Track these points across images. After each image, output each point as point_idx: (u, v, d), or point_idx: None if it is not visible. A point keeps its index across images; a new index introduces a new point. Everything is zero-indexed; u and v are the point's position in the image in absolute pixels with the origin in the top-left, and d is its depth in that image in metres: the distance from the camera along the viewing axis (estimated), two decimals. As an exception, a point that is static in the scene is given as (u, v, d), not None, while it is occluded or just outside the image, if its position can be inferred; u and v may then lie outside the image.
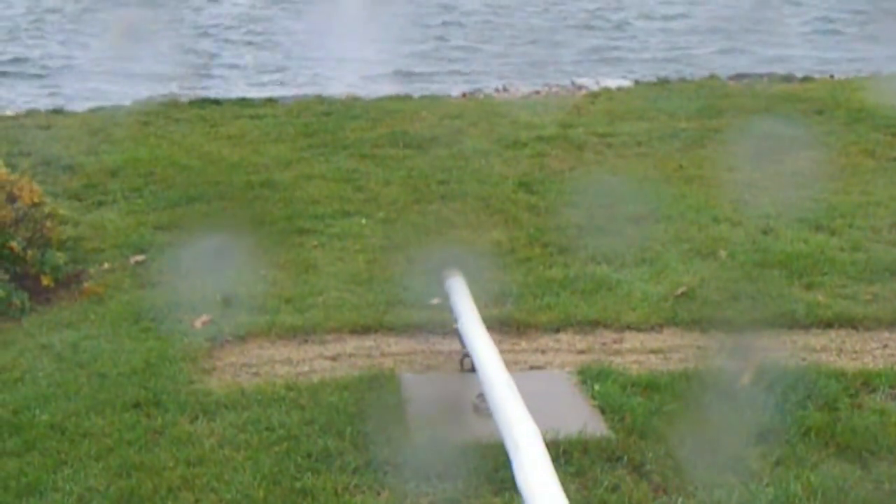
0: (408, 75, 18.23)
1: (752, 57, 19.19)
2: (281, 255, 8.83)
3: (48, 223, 8.65)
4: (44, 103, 15.67)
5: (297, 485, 5.49)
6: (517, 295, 7.94)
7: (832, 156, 11.86)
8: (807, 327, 7.57)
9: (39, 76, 17.71)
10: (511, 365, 6.93)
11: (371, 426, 6.03)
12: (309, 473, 5.58)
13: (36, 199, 8.60)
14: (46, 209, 8.71)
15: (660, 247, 8.93)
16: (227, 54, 20.03)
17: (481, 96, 16.06)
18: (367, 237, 9.28)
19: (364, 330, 7.46)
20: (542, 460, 4.32)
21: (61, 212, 9.03)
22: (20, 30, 20.90)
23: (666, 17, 23.46)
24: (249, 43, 21.00)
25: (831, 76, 17.31)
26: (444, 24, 22.86)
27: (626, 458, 5.74)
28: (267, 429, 6.04)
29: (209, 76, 18.26)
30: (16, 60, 18.34)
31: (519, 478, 4.30)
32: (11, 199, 8.47)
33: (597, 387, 6.51)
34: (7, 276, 8.06)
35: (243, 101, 15.07)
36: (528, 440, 4.49)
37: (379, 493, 5.45)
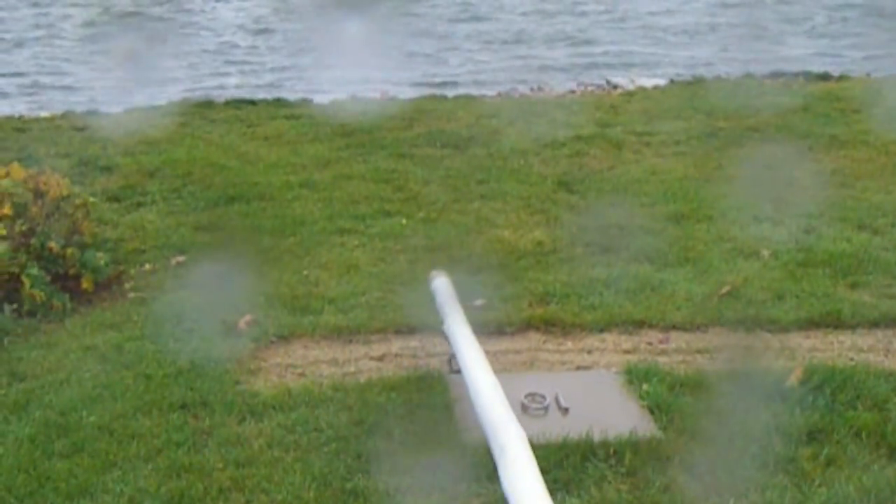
0: (438, 77, 18.22)
1: (785, 55, 19.07)
2: (322, 255, 8.82)
3: (80, 216, 8.62)
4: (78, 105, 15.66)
5: (348, 486, 5.48)
6: (561, 295, 7.91)
7: (871, 154, 11.78)
8: (853, 327, 7.52)
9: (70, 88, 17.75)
10: (557, 365, 6.98)
11: (420, 427, 6.01)
12: (359, 475, 5.56)
13: (64, 192, 8.56)
14: (77, 200, 8.69)
15: (702, 246, 8.89)
16: (254, 59, 20.15)
17: (517, 95, 16.04)
18: (408, 237, 9.26)
19: (409, 330, 7.44)
20: (529, 464, 4.27)
21: (91, 200, 9.00)
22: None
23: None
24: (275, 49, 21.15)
25: (868, 74, 17.22)
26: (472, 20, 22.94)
27: (677, 458, 5.70)
28: (315, 430, 6.03)
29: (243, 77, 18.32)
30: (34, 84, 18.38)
31: (505, 482, 4.26)
32: (39, 194, 8.45)
33: (645, 386, 6.48)
34: (48, 278, 8.05)
35: (279, 102, 15.13)
36: (515, 444, 4.45)
37: (430, 495, 5.41)
